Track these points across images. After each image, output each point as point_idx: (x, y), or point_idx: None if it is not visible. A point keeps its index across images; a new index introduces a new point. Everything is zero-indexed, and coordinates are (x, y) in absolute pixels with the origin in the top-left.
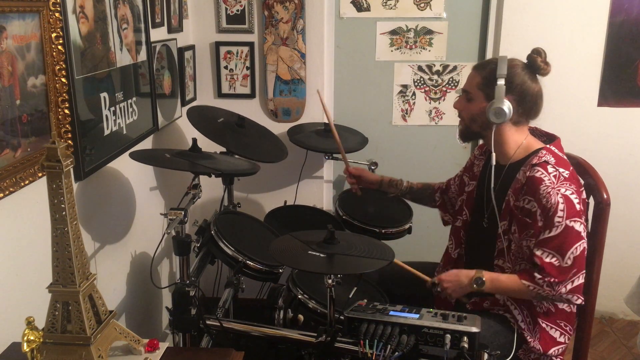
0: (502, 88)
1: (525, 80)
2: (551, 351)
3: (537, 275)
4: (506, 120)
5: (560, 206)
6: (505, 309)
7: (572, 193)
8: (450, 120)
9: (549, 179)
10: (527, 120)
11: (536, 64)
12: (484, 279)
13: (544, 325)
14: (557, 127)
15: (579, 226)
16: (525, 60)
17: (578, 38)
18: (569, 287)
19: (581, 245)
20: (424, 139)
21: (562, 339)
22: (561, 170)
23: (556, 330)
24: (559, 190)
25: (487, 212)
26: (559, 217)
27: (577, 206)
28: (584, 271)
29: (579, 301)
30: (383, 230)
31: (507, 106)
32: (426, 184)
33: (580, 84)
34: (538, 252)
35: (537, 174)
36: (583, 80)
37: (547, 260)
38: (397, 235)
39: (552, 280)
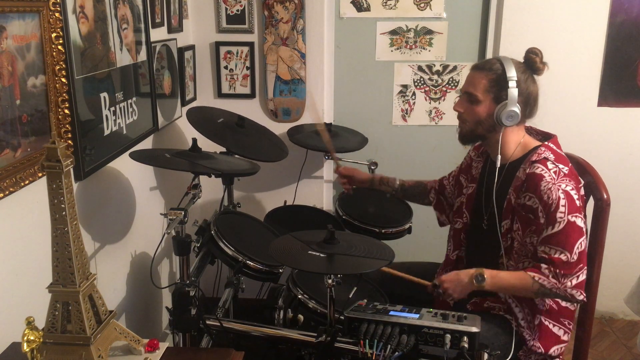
0: (515, 92)
1: (529, 82)
2: (552, 350)
3: (544, 266)
4: (516, 122)
5: (562, 202)
6: (507, 308)
7: (572, 189)
8: (450, 121)
9: (549, 175)
10: (525, 120)
11: (535, 65)
12: (484, 275)
13: (546, 323)
14: (557, 127)
15: (580, 222)
16: (521, 60)
17: (578, 38)
18: (574, 282)
19: (584, 241)
20: (424, 139)
21: (564, 337)
22: (561, 166)
23: (559, 328)
24: (559, 186)
25: (487, 214)
26: (561, 212)
27: (577, 202)
28: (586, 267)
29: (582, 297)
30: (383, 230)
31: (518, 109)
32: (418, 181)
33: (580, 84)
34: (545, 249)
35: (538, 171)
36: (583, 80)
37: (555, 256)
38: (397, 235)
39: (558, 271)
